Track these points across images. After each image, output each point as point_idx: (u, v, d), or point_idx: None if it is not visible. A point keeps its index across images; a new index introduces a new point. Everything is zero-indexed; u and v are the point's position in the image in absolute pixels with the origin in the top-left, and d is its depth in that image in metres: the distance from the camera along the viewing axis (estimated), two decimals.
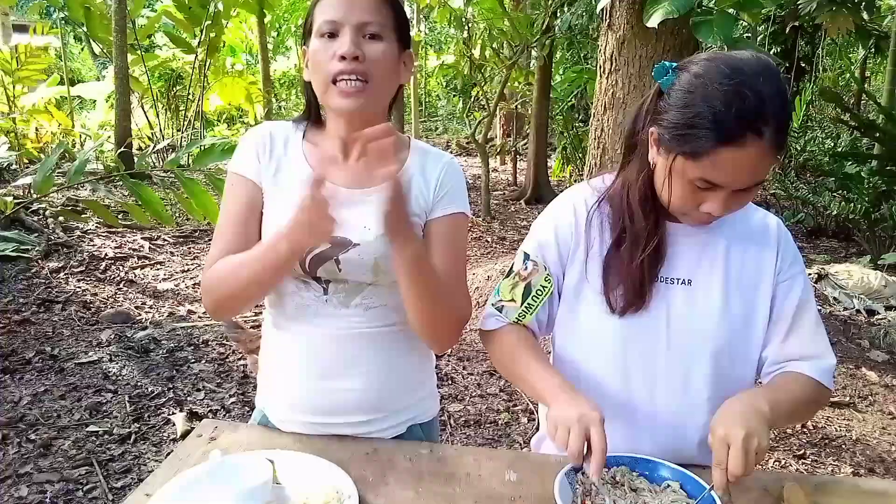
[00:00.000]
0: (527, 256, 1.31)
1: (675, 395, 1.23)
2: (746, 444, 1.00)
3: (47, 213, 6.02)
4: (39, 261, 5.03)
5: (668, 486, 1.11)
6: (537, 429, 1.53)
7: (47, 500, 2.45)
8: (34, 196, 4.92)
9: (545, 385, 1.18)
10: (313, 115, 1.30)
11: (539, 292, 1.28)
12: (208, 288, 1.23)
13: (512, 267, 1.33)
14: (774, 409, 1.08)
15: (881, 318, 4.75)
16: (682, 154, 1.09)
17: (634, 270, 1.21)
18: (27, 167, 7.48)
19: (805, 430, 3.28)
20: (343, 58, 1.13)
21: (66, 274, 4.90)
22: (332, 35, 1.15)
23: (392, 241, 1.11)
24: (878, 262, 6.04)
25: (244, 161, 1.26)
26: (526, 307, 1.29)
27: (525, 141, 10.24)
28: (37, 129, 9.23)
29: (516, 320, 1.30)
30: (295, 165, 1.26)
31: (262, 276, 1.16)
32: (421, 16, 15.01)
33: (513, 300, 1.30)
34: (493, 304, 1.33)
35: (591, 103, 4.37)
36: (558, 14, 8.03)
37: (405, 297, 1.18)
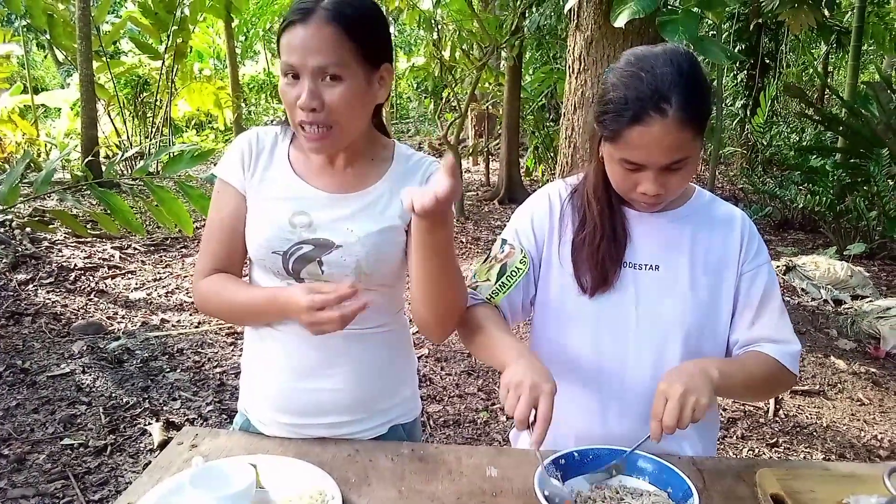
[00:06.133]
0: (504, 242, 1.37)
1: (646, 375, 1.28)
2: (683, 399, 1.07)
3: (14, 224, 5.90)
4: (7, 273, 4.93)
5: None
6: None
7: None
8: (0, 207, 4.82)
9: (506, 352, 1.19)
10: None
11: (514, 272, 1.33)
12: (200, 304, 1.34)
13: (489, 254, 1.38)
14: (724, 376, 1.15)
15: (848, 308, 4.87)
16: (605, 139, 1.20)
17: (597, 254, 1.28)
18: None
19: (777, 418, 3.35)
20: (302, 108, 1.14)
21: (34, 286, 4.81)
22: (295, 77, 1.15)
23: (423, 222, 1.09)
24: (844, 253, 6.19)
25: (230, 168, 1.29)
26: (499, 285, 1.33)
27: (497, 141, 10.29)
28: (0, 139, 9.05)
29: (489, 297, 1.33)
30: (280, 171, 1.28)
31: (254, 321, 1.33)
32: (390, 18, 14.99)
33: (488, 280, 1.34)
34: (468, 286, 1.36)
35: (562, 103, 4.41)
36: (527, 15, 8.09)
37: (422, 280, 1.18)
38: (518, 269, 1.33)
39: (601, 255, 1.27)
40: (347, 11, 1.13)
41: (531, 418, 1.05)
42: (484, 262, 1.38)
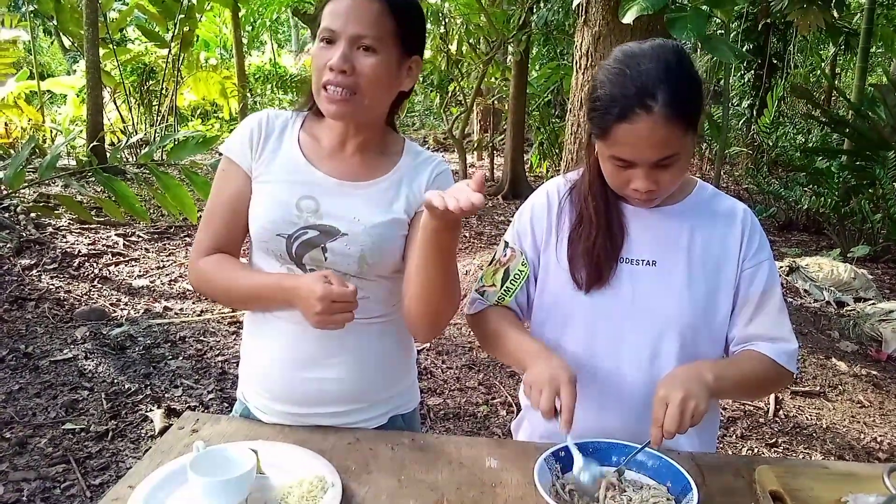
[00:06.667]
0: (506, 244, 1.39)
1: (641, 371, 1.28)
2: (683, 405, 1.08)
3: (18, 209, 5.91)
4: (11, 258, 4.94)
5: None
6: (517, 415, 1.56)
7: (24, 498, 2.43)
8: (5, 192, 4.83)
9: (525, 352, 1.24)
10: (314, 106, 1.31)
11: (516, 276, 1.35)
12: (196, 283, 1.32)
13: (495, 255, 1.40)
14: (719, 380, 1.16)
15: (850, 310, 4.86)
16: (595, 136, 1.21)
17: (592, 249, 1.28)
18: None
19: (777, 419, 3.35)
20: (332, 69, 1.16)
21: (38, 271, 4.82)
22: (331, 42, 1.17)
23: (434, 221, 1.08)
24: (848, 255, 6.17)
25: (237, 146, 1.29)
26: (504, 290, 1.36)
27: (502, 136, 10.28)
28: (6, 125, 9.06)
29: (496, 303, 1.36)
30: (289, 154, 1.28)
31: (254, 306, 1.32)
32: None
33: (493, 285, 1.37)
34: (476, 290, 1.40)
35: (568, 99, 4.41)
36: (534, 10, 8.07)
37: (420, 278, 1.18)
38: (520, 271, 1.35)
39: (596, 250, 1.28)
40: None
41: (557, 406, 1.09)
42: (490, 264, 1.40)
